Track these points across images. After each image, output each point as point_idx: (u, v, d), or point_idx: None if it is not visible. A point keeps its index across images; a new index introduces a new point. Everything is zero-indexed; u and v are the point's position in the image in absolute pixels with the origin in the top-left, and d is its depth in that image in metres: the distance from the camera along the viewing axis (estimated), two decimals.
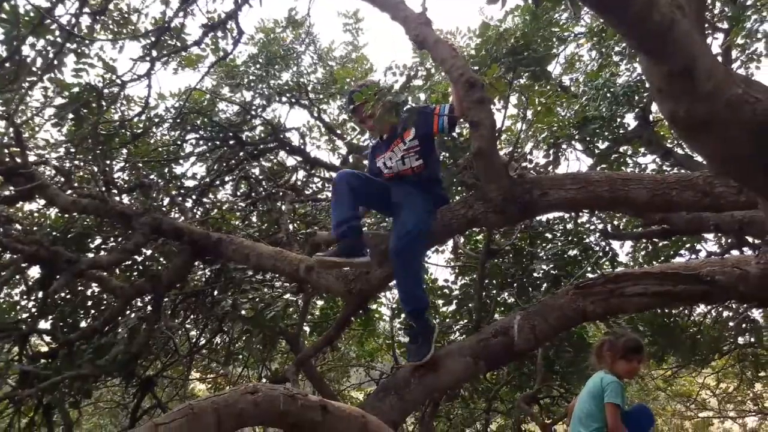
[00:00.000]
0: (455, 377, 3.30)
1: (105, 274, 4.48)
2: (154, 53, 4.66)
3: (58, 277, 3.88)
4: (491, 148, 3.27)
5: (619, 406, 3.31)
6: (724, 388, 9.75)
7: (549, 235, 6.19)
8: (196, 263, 5.22)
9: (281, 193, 6.34)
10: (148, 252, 5.41)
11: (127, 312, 4.82)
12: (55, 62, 4.45)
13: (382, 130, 3.41)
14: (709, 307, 7.83)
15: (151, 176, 5.87)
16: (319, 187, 6.98)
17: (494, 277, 6.11)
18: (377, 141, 3.66)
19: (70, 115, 4.83)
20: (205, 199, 6.51)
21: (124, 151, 6.03)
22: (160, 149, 6.40)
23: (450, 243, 6.79)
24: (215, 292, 5.28)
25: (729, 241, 6.01)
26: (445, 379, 3.26)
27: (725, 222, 3.70)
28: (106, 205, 4.09)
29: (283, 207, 6.02)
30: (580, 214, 6.22)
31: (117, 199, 5.12)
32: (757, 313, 7.51)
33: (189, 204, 6.21)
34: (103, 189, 4.69)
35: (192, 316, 6.18)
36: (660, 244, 5.99)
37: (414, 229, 3.14)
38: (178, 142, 6.51)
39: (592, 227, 5.96)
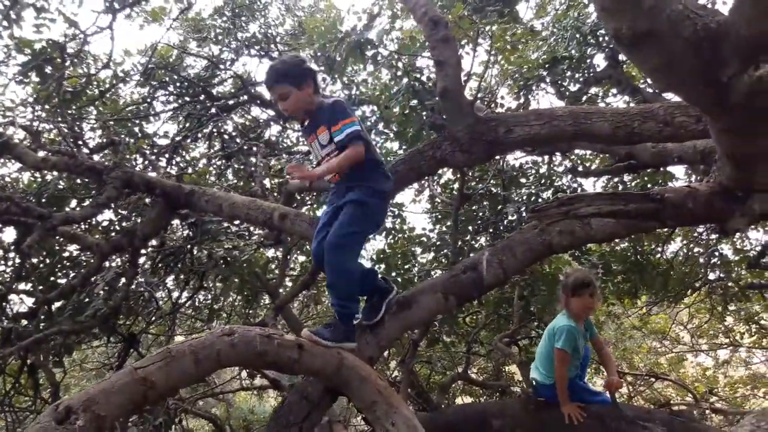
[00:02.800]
0: (427, 312, 3.39)
1: (80, 231, 4.47)
2: (116, 5, 4.57)
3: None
4: (457, 87, 3.29)
5: (566, 351, 3.44)
6: (697, 323, 10.09)
7: (522, 180, 6.28)
8: (173, 222, 5.24)
9: (255, 149, 6.31)
10: (124, 212, 5.42)
11: (105, 268, 4.83)
12: (14, 17, 4.35)
13: (298, 117, 3.07)
14: (681, 243, 8.07)
15: (122, 135, 5.80)
16: (293, 141, 6.95)
17: (469, 223, 6.20)
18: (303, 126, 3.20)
19: (34, 73, 4.75)
20: (178, 158, 6.46)
21: (94, 111, 5.95)
22: (129, 108, 6.31)
23: (427, 192, 6.87)
24: (194, 250, 5.31)
25: (699, 178, 6.14)
26: (418, 315, 3.35)
27: (688, 154, 3.79)
28: (76, 161, 4.06)
29: (257, 162, 6.00)
30: (553, 157, 6.31)
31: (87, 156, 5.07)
32: (726, 248, 7.76)
33: (162, 163, 6.16)
34: (73, 146, 4.63)
35: (173, 276, 6.21)
36: (630, 182, 6.10)
37: (332, 240, 2.87)
38: (148, 100, 6.42)
39: (562, 168, 6.04)
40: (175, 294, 6.48)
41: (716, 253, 7.18)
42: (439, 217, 6.56)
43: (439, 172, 6.06)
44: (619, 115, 3.20)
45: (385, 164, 3.12)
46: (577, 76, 5.74)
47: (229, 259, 4.48)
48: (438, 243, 6.38)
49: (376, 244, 6.86)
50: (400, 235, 6.68)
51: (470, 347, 7.19)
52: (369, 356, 3.23)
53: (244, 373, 8.12)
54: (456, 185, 6.25)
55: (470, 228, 6.25)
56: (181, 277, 6.10)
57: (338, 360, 2.84)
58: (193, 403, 7.94)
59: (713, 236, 7.31)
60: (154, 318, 6.31)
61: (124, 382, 2.18)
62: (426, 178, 5.38)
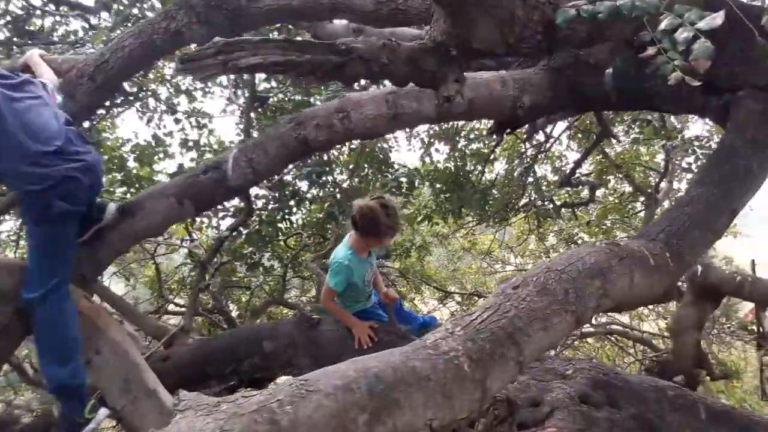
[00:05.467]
0: (158, 220, 2.83)
1: None
2: None
3: None
4: None
5: (336, 290, 2.99)
6: (523, 245, 10.49)
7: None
8: None
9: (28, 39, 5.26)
10: None
11: None
12: None
13: None
14: (503, 164, 8.13)
15: None
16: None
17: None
18: None
19: None
20: None
21: None
22: None
23: (226, 93, 6.17)
24: None
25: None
26: (145, 223, 2.79)
27: None
28: None
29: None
30: None
31: None
32: (540, 169, 7.92)
33: None
34: None
35: None
36: None
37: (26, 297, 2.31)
38: None
39: None
40: None
41: (532, 173, 7.25)
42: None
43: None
44: None
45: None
46: None
47: None
48: None
49: (182, 159, 6.11)
50: (207, 149, 5.99)
51: (287, 269, 6.78)
52: (81, 274, 2.64)
53: None
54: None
55: None
56: None
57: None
58: None
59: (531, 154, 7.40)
60: None
61: None
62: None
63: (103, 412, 2.37)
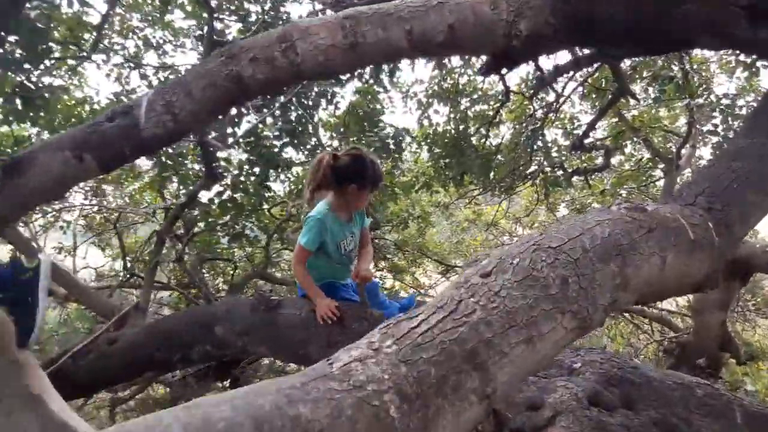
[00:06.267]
0: (50, 179, 2.22)
1: None
2: None
3: None
4: None
5: (308, 249, 2.53)
6: (532, 216, 9.82)
7: None
8: None
9: None
10: None
11: None
12: None
13: None
14: (508, 128, 7.44)
15: None
16: None
17: None
18: None
19: None
20: None
21: None
22: None
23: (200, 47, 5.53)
24: None
25: None
26: (35, 183, 2.19)
27: None
28: None
29: None
30: None
31: None
32: (550, 132, 7.22)
33: None
34: None
35: None
36: None
37: None
38: None
39: None
40: None
41: (540, 136, 6.54)
42: None
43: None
44: None
45: None
46: None
47: None
48: None
49: None
50: None
51: (270, 241, 6.20)
52: None
53: None
54: None
55: None
56: None
57: None
58: None
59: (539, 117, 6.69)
60: None
61: None
62: None
63: None
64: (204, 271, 7.01)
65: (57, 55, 4.67)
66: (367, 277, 2.68)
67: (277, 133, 4.33)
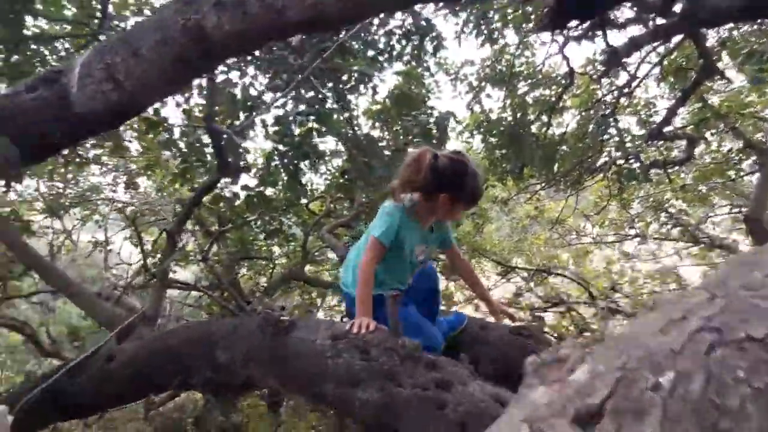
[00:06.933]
0: None
1: None
2: None
3: None
4: None
5: (383, 244, 2.11)
6: (602, 214, 8.92)
7: None
8: None
9: None
10: None
11: None
12: None
13: None
14: (574, 115, 6.63)
15: None
16: None
17: None
18: None
19: None
20: None
21: None
22: None
23: None
24: None
25: None
26: None
27: None
28: None
29: None
30: None
31: None
32: (623, 120, 6.38)
33: None
34: None
35: None
36: None
37: None
38: None
39: None
40: None
41: (612, 123, 5.71)
42: None
43: None
44: None
45: None
46: None
47: None
48: None
49: None
50: None
51: (307, 239, 5.70)
52: None
53: None
54: None
55: None
56: None
57: None
58: None
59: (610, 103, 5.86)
60: None
61: None
62: None
63: None
64: (243, 270, 6.61)
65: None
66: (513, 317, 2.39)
67: (301, 118, 3.78)
